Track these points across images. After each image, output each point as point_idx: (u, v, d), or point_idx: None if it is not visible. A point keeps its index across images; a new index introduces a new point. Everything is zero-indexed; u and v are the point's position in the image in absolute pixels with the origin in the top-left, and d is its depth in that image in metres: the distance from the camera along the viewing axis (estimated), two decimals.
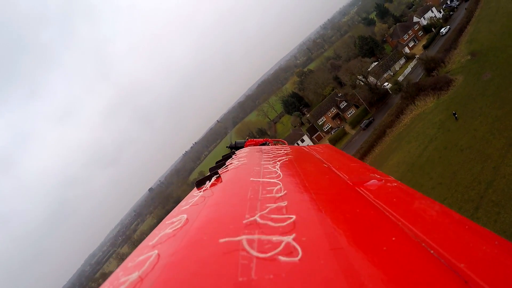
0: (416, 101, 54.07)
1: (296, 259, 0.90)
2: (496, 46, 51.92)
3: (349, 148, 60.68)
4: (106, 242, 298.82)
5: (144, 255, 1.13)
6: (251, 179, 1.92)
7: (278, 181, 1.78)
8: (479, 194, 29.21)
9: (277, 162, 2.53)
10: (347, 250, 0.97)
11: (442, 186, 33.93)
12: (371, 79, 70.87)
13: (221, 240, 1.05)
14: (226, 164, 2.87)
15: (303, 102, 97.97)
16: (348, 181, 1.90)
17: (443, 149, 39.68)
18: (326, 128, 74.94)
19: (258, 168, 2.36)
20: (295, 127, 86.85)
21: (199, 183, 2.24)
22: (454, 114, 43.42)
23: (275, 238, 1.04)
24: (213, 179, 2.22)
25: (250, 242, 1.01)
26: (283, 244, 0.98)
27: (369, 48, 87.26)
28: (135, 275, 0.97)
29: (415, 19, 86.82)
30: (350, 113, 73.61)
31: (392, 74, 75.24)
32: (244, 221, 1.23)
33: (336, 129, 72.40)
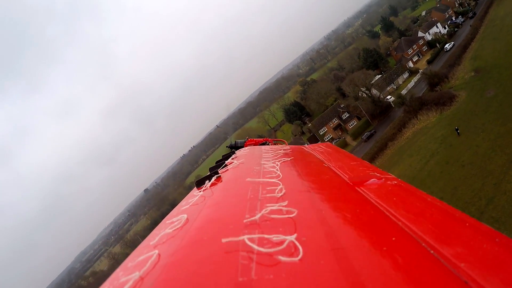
0: (419, 115, 54.58)
1: (296, 259, 0.90)
2: (500, 63, 52.75)
3: None
4: (98, 240, 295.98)
5: (145, 255, 1.14)
6: (251, 179, 1.96)
7: (278, 181, 1.81)
8: (480, 210, 29.42)
9: (277, 162, 2.57)
10: (347, 250, 0.98)
11: (443, 201, 34.11)
12: (374, 91, 71.62)
13: (222, 240, 1.06)
14: (226, 164, 2.94)
15: (304, 111, 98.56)
16: (348, 181, 1.92)
17: (444, 164, 40.01)
18: (327, 138, 75.22)
19: (258, 168, 2.40)
20: (295, 135, 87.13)
21: (199, 183, 2.28)
22: (457, 129, 43.90)
23: (275, 238, 1.05)
24: (213, 179, 2.25)
25: (250, 242, 1.01)
26: (283, 244, 0.99)
27: (373, 60, 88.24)
28: (135, 275, 0.98)
29: (420, 34, 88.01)
30: (352, 125, 74.11)
31: (395, 87, 76.03)
32: (244, 221, 1.23)
33: (337, 139, 72.72)
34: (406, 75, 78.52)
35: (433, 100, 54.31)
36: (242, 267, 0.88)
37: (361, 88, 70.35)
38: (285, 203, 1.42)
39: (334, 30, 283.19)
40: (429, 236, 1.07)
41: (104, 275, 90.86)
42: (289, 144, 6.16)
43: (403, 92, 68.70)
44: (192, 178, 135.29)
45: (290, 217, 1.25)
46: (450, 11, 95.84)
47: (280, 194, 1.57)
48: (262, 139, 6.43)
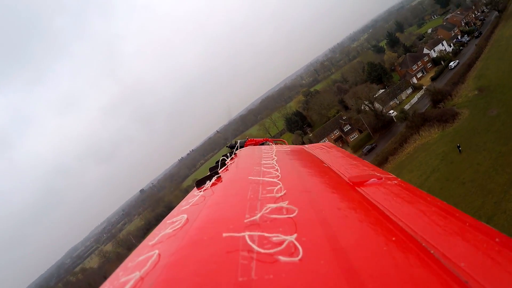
0: (421, 131, 54.98)
1: (297, 259, 0.91)
2: (504, 83, 53.39)
3: None
4: (90, 237, 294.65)
5: (145, 255, 1.14)
6: (251, 178, 1.98)
7: (278, 181, 1.82)
8: None
9: (277, 162, 2.58)
10: (347, 250, 0.98)
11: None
12: (377, 105, 72.18)
13: (222, 240, 1.07)
14: (226, 164, 2.96)
15: (306, 121, 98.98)
16: (348, 181, 1.93)
17: (445, 181, 40.18)
18: None
19: (258, 168, 2.40)
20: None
21: (199, 183, 2.29)
22: (458, 147, 44.19)
23: (275, 238, 1.05)
24: (213, 179, 2.27)
25: (250, 242, 1.02)
26: (283, 244, 1.00)
27: (378, 75, 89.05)
28: (136, 275, 0.98)
29: (425, 50, 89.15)
30: (353, 137, 74.45)
31: (398, 102, 76.65)
32: (244, 221, 1.25)
33: None
34: (409, 90, 79.22)
35: (436, 117, 54.77)
36: (242, 267, 0.88)
37: (364, 102, 71.02)
38: (285, 203, 1.42)
39: (339, 43, 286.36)
40: (429, 236, 1.08)
41: (93, 273, 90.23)
42: None
43: (406, 107, 69.28)
44: (189, 182, 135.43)
45: (290, 217, 1.26)
46: (456, 30, 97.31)
47: (280, 194, 1.59)
48: (262, 139, 6.47)
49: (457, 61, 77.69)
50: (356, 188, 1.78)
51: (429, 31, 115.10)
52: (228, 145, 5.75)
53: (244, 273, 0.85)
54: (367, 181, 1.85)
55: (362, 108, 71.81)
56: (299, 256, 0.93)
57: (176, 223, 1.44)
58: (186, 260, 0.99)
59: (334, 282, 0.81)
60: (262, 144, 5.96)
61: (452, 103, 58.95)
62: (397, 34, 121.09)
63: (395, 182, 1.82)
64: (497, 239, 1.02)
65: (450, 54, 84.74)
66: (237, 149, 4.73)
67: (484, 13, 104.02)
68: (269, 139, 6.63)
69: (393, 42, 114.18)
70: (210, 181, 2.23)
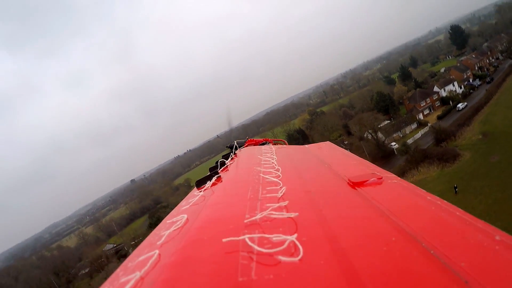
0: (420, 167, 54.92)
1: (297, 259, 0.92)
2: (509, 131, 53.68)
3: None
4: (73, 217, 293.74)
5: (145, 255, 1.16)
6: (251, 178, 2.01)
7: (278, 181, 1.86)
8: None
9: (277, 162, 2.61)
10: (347, 250, 0.99)
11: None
12: (380, 135, 72.48)
13: (222, 240, 1.08)
14: (226, 164, 3.00)
15: (307, 140, 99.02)
16: (349, 180, 1.94)
17: None
18: None
19: (258, 168, 2.43)
20: None
21: (199, 183, 2.32)
22: (455, 187, 44.13)
23: (275, 238, 1.06)
24: (213, 179, 2.30)
25: (250, 242, 1.03)
26: (283, 245, 1.01)
27: (385, 105, 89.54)
28: (136, 275, 0.99)
29: (436, 88, 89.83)
30: None
31: (401, 135, 76.85)
32: (244, 221, 1.26)
33: None
34: (414, 125, 79.56)
35: (437, 155, 54.88)
36: (242, 267, 0.89)
37: (368, 130, 71.25)
38: (285, 203, 1.45)
39: (352, 69, 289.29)
40: (429, 236, 1.08)
41: (69, 252, 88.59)
42: None
43: (409, 141, 69.49)
44: (181, 180, 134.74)
45: (290, 217, 1.27)
46: (469, 73, 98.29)
47: (280, 194, 1.63)
48: (262, 139, 6.53)
49: (466, 103, 78.26)
50: (356, 187, 1.80)
51: (442, 70, 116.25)
52: (228, 145, 5.79)
53: (244, 273, 0.85)
54: (367, 180, 1.86)
55: (365, 135, 72.05)
56: (299, 256, 0.93)
57: (176, 223, 1.45)
58: (186, 260, 1.00)
59: (334, 282, 0.81)
60: (262, 144, 6.02)
61: (455, 143, 59.12)
62: (410, 69, 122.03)
63: (395, 181, 1.84)
64: (497, 237, 1.02)
65: (460, 96, 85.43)
66: (237, 149, 4.80)
67: (498, 60, 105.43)
68: (269, 139, 6.70)
69: (405, 75, 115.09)
70: (210, 181, 2.26)
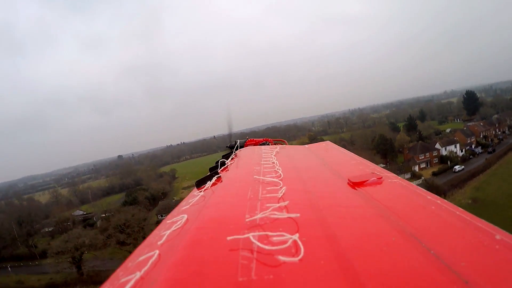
0: None
1: (297, 259, 0.93)
2: (500, 203, 53.43)
3: None
4: (52, 174, 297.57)
5: (145, 255, 1.16)
6: (251, 178, 2.00)
7: (278, 181, 1.86)
8: None
9: (277, 162, 2.60)
10: (347, 250, 0.99)
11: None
12: None
13: (222, 240, 1.09)
14: (226, 164, 2.98)
15: None
16: (348, 180, 1.94)
17: None
18: None
19: (258, 168, 2.45)
20: None
21: (199, 183, 2.31)
22: None
23: (275, 238, 1.07)
24: (213, 179, 2.28)
25: (250, 242, 1.04)
26: (283, 245, 1.01)
27: (385, 149, 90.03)
28: (136, 275, 0.99)
29: (437, 146, 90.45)
30: None
31: None
32: (244, 221, 1.27)
33: None
34: (408, 175, 79.37)
35: None
36: (243, 267, 0.89)
37: None
38: (286, 203, 1.47)
39: (361, 108, 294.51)
40: (429, 235, 1.09)
41: (38, 207, 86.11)
42: None
43: None
44: (167, 169, 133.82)
45: (291, 217, 1.28)
46: (473, 139, 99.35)
47: (280, 194, 1.63)
48: (262, 139, 6.50)
49: (463, 167, 78.61)
50: (356, 187, 1.81)
51: (448, 130, 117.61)
52: (228, 145, 5.88)
53: (244, 273, 0.86)
54: (367, 180, 1.87)
55: None
56: (299, 256, 0.94)
57: (177, 223, 1.46)
58: (186, 260, 1.00)
59: (334, 282, 0.82)
60: (262, 144, 6.04)
61: None
62: (417, 121, 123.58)
63: (395, 181, 1.87)
64: (497, 236, 1.03)
65: (459, 158, 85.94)
66: (237, 149, 4.88)
67: (504, 134, 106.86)
68: (269, 139, 6.63)
69: (411, 126, 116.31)
70: (210, 181, 2.25)
